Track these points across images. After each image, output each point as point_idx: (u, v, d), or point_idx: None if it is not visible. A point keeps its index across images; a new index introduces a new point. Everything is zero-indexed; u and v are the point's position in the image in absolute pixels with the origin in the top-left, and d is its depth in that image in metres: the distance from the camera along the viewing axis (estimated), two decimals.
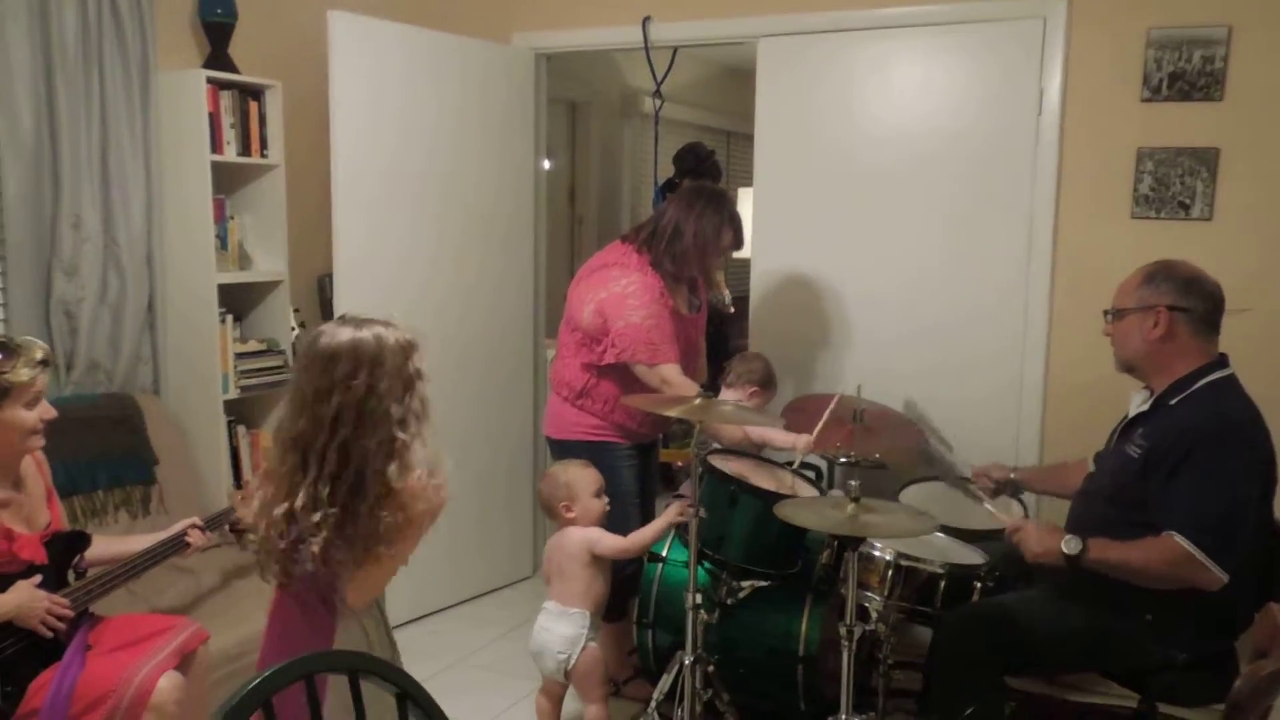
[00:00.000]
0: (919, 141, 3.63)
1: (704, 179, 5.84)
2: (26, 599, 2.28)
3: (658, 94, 4.38)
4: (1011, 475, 2.98)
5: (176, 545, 2.66)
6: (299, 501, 1.76)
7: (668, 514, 2.76)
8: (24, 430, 2.33)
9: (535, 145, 4.34)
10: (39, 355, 2.35)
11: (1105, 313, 2.55)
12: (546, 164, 4.55)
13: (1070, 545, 2.34)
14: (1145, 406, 2.48)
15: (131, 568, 2.55)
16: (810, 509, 2.35)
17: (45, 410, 2.37)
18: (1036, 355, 3.50)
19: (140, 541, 2.65)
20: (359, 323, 1.83)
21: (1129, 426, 2.53)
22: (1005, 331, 3.54)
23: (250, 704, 1.24)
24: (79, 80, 3.15)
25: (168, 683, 2.33)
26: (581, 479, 2.88)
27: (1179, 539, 2.25)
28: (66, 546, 2.46)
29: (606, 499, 2.91)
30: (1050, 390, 3.49)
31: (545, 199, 4.50)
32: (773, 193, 3.93)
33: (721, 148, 6.86)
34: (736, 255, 5.69)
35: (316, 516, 1.74)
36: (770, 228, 3.94)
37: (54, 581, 2.39)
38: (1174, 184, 3.28)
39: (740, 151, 6.88)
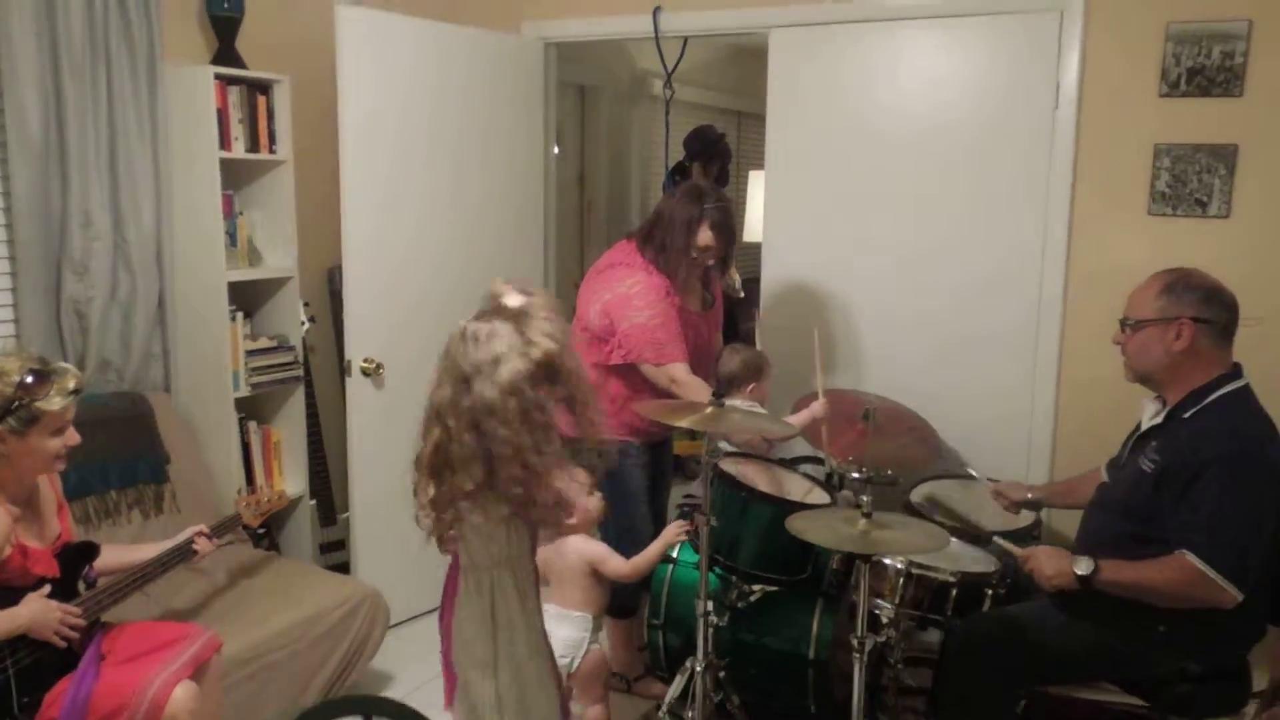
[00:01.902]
0: (932, 134, 3.59)
1: (714, 162, 5.82)
2: (40, 610, 2.29)
3: (669, 85, 4.34)
4: (1029, 495, 2.96)
5: (184, 553, 2.68)
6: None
7: (666, 534, 2.76)
8: (48, 457, 2.34)
9: (545, 134, 4.31)
10: (71, 385, 2.33)
11: (1122, 323, 2.51)
12: (555, 150, 4.52)
13: (1082, 566, 2.33)
14: (1159, 419, 2.46)
15: (141, 576, 2.57)
16: (822, 524, 2.34)
17: (70, 437, 2.37)
18: (1050, 350, 3.47)
19: (148, 550, 2.66)
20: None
21: (1142, 439, 2.51)
22: (1018, 327, 3.52)
23: None
24: (86, 76, 3.13)
25: (182, 693, 2.35)
26: (571, 485, 2.84)
27: (1192, 558, 2.24)
28: (76, 557, 2.48)
29: (600, 494, 2.88)
30: (1064, 385, 3.47)
31: (555, 186, 4.47)
32: (783, 181, 3.90)
33: (732, 129, 6.81)
34: (747, 239, 5.67)
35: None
36: (780, 216, 3.92)
37: (65, 592, 2.40)
38: (1191, 181, 3.23)
39: (751, 133, 6.82)
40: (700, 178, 5.72)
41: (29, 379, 2.27)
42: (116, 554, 2.63)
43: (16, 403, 2.24)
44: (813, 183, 3.82)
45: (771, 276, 3.97)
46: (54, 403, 2.29)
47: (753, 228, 5.87)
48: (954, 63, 3.54)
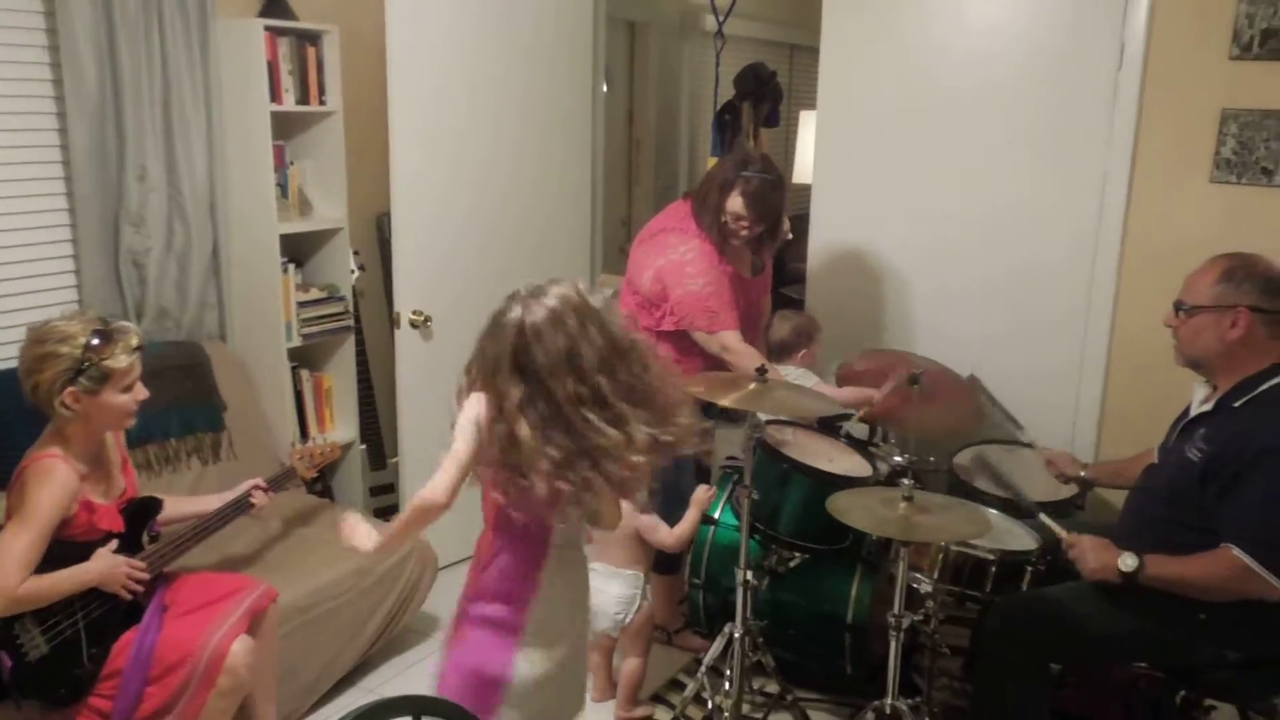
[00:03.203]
0: (991, 88, 3.50)
1: (764, 102, 5.72)
2: (108, 565, 2.39)
3: (720, 34, 4.25)
4: (1082, 473, 2.97)
5: (241, 506, 2.77)
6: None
7: (697, 498, 2.80)
8: (119, 413, 2.42)
9: (594, 70, 4.26)
10: (135, 341, 2.41)
11: (1176, 306, 2.48)
12: (603, 88, 4.47)
13: (1127, 563, 2.33)
14: (1208, 406, 2.44)
15: (201, 530, 2.67)
16: (862, 506, 2.36)
17: (139, 392, 2.45)
18: (1102, 319, 3.41)
19: (207, 502, 2.76)
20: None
21: (1190, 425, 2.48)
22: (1071, 294, 3.46)
23: None
24: (139, 31, 3.14)
25: (239, 647, 2.46)
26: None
27: (1237, 552, 2.23)
28: (140, 512, 2.58)
29: None
30: (1114, 356, 3.42)
31: (603, 125, 4.43)
32: (834, 131, 3.84)
33: (784, 63, 6.67)
34: (797, 180, 5.59)
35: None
36: (831, 165, 3.86)
37: (129, 546, 2.50)
38: (1258, 148, 3.13)
39: (803, 67, 6.68)
40: (749, 117, 5.64)
41: (94, 340, 2.34)
42: (177, 506, 2.72)
43: (86, 363, 2.32)
44: (865, 131, 3.75)
45: (821, 222, 3.92)
46: (121, 360, 2.36)
47: (803, 169, 5.80)
48: (1019, 14, 3.43)
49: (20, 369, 2.36)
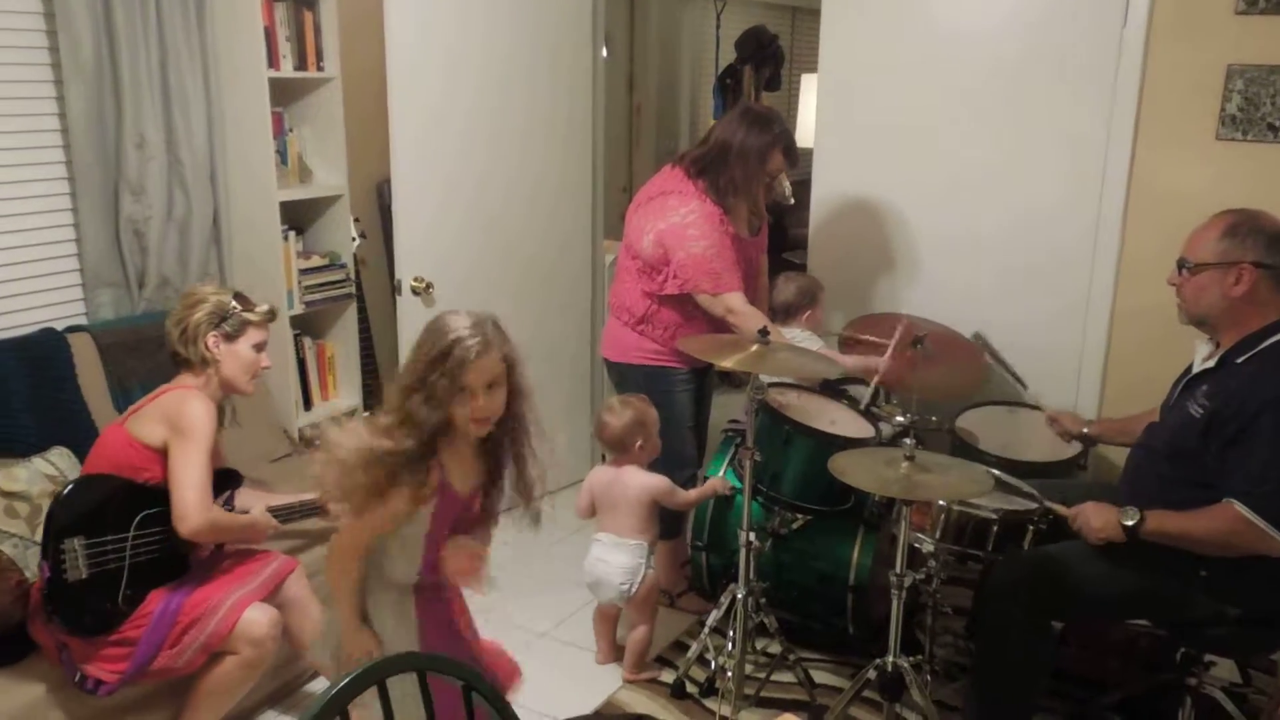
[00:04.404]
0: (993, 45, 3.46)
1: (765, 65, 5.69)
2: (268, 522, 2.65)
3: None
4: (1085, 429, 2.97)
5: (316, 509, 2.80)
6: None
7: (712, 483, 2.84)
8: (247, 367, 2.61)
9: (594, 34, 4.22)
10: (266, 308, 2.68)
11: (1180, 265, 2.46)
12: (603, 54, 4.43)
13: (1128, 516, 2.34)
14: (1211, 363, 2.43)
15: (281, 517, 2.73)
16: (864, 466, 2.36)
17: (264, 359, 2.66)
18: (1105, 276, 3.40)
19: (279, 497, 2.80)
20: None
21: (1192, 382, 2.48)
22: (1074, 251, 3.44)
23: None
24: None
25: (258, 615, 2.49)
26: (651, 416, 2.96)
27: (1239, 507, 2.23)
28: (221, 482, 2.64)
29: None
30: (1117, 314, 3.41)
31: (603, 90, 4.40)
32: (837, 89, 3.79)
33: (785, 27, 6.61)
34: (799, 145, 5.56)
35: None
36: (833, 124, 3.83)
37: None
38: (1265, 104, 3.10)
39: (805, 30, 6.62)
40: (751, 81, 5.61)
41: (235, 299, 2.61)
42: (252, 496, 2.77)
43: (230, 312, 2.58)
44: (867, 92, 3.72)
45: (823, 187, 3.90)
46: (256, 316, 2.62)
47: (805, 133, 5.76)
48: None
49: (170, 319, 2.59)
